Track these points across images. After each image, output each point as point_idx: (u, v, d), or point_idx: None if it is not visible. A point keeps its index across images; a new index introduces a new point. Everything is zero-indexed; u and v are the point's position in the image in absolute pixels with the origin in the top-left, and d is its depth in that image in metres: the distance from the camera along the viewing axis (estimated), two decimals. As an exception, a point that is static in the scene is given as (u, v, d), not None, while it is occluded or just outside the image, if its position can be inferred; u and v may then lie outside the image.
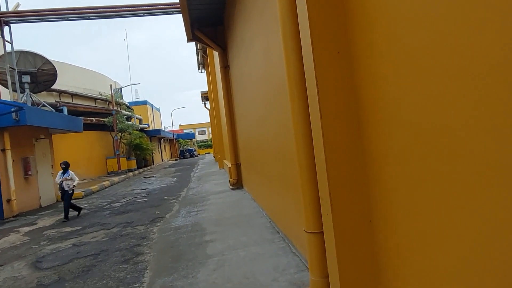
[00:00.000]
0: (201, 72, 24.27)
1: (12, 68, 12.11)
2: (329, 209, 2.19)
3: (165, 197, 11.44)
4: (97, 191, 16.07)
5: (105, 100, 26.57)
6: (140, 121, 36.65)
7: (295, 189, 4.18)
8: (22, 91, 13.74)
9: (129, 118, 30.61)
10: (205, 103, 27.87)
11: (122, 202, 11.52)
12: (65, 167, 9.57)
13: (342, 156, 2.20)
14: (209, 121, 32.27)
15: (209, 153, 56.95)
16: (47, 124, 12.38)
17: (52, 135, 15.82)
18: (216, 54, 12.59)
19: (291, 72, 2.57)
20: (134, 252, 5.61)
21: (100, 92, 26.45)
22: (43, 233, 8.02)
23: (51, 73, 14.41)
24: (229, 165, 11.47)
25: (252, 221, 6.47)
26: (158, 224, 7.47)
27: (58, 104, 19.89)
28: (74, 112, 21.06)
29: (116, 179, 20.42)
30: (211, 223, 6.81)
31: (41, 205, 12.73)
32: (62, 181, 9.41)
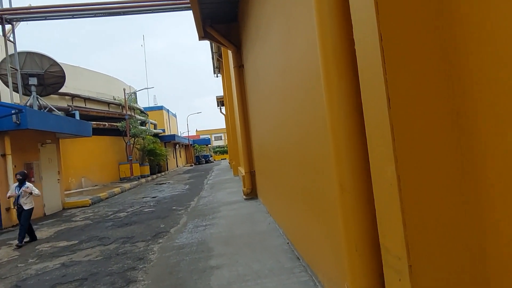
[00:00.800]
0: (217, 76, 23.56)
1: (14, 69, 11.50)
2: (406, 271, 1.20)
3: (174, 207, 10.57)
4: (106, 198, 15.37)
5: (118, 105, 26.11)
6: (155, 126, 36.17)
7: (322, 210, 3.19)
8: (29, 93, 13.17)
9: (143, 123, 30.09)
10: (220, 108, 27.20)
11: (128, 212, 10.71)
12: (22, 178, 7.88)
13: (430, 174, 1.21)
14: (225, 126, 31.48)
15: (225, 159, 56.16)
16: (51, 128, 11.72)
17: (62, 140, 15.28)
18: (230, 54, 11.76)
19: (325, 29, 1.57)
20: (126, 278, 4.70)
21: (113, 96, 26.02)
22: (36, 247, 7.23)
23: (59, 75, 13.80)
24: (243, 172, 10.53)
25: (267, 241, 5.48)
26: (161, 240, 6.56)
27: (70, 108, 19.44)
28: (87, 117, 20.57)
29: (127, 185, 19.75)
30: (219, 242, 5.86)
31: (45, 213, 12.06)
32: (19, 196, 7.75)
